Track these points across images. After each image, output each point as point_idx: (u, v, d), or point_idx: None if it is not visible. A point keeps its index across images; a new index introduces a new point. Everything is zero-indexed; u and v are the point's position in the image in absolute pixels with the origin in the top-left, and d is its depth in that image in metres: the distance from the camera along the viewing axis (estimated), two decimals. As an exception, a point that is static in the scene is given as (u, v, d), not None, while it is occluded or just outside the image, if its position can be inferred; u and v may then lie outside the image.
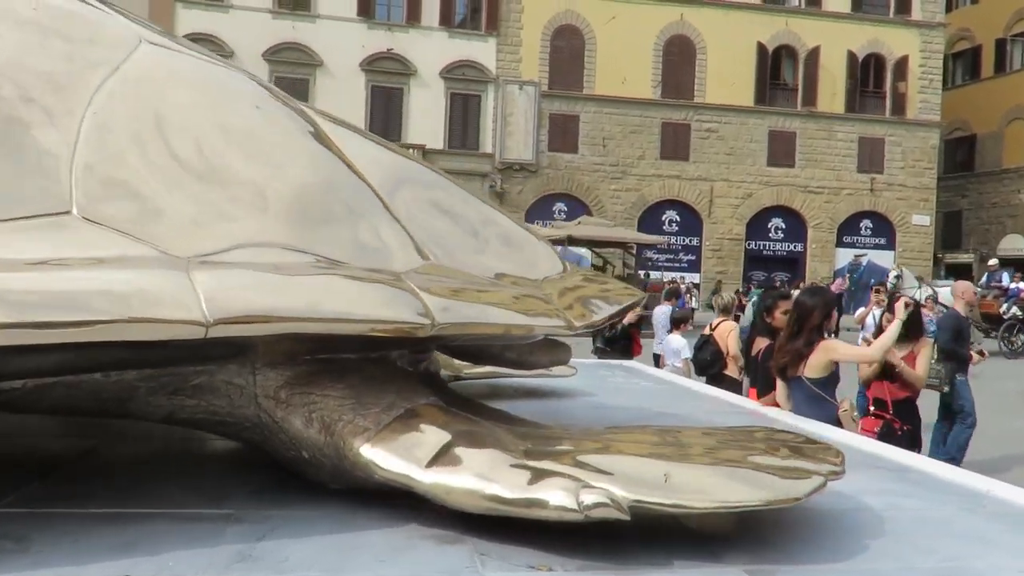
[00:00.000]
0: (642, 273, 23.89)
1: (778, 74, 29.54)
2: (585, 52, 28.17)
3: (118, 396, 1.20)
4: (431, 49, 26.96)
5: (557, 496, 1.08)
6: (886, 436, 4.25)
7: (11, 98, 1.21)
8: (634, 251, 23.08)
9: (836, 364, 3.90)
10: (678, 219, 29.31)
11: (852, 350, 4.62)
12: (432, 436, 1.20)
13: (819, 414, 3.36)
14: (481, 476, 1.13)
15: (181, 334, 1.01)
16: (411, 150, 26.03)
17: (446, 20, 27.27)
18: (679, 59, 28.72)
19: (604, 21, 27.72)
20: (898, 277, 17.94)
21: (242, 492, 1.34)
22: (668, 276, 24.81)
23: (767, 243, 30.06)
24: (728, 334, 6.75)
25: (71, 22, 1.43)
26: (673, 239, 28.89)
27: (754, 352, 5.23)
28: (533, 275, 1.73)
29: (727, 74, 28.69)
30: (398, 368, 1.40)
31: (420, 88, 27.09)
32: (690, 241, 29.44)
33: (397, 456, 1.17)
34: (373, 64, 26.70)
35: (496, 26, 27.53)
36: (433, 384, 1.59)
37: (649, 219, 28.61)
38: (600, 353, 8.03)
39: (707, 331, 7.01)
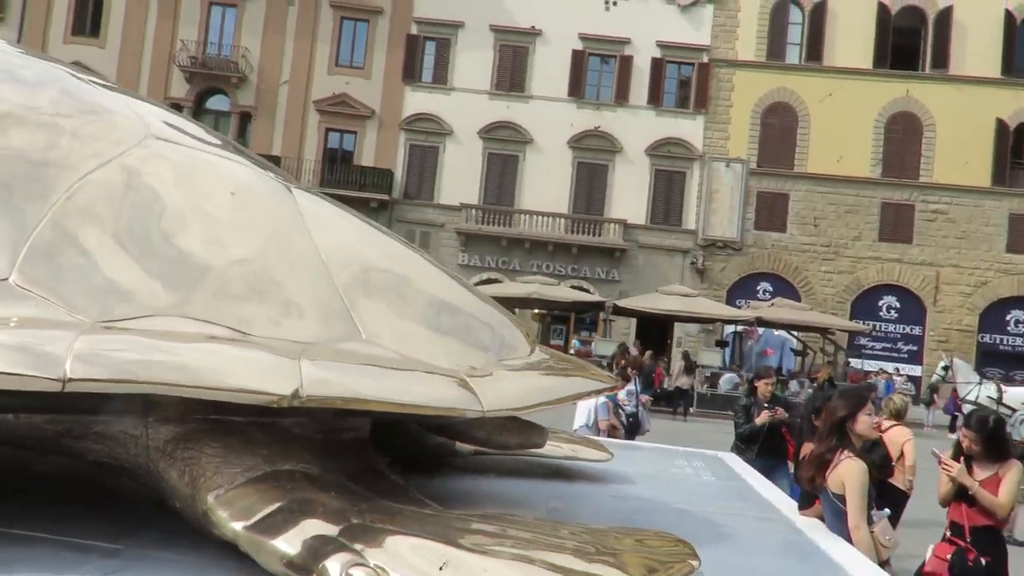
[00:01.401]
0: (849, 361, 22.36)
1: (1020, 153, 26.95)
2: (798, 129, 27.38)
3: (32, 435, 1.44)
4: (638, 127, 27.43)
5: (333, 567, 1.17)
6: (958, 566, 3.73)
7: (10, 180, 1.51)
8: (834, 335, 21.70)
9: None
10: (897, 305, 27.23)
11: (856, 493, 3.45)
12: (268, 498, 1.32)
13: (846, 533, 3.04)
14: (286, 541, 1.24)
15: (34, 387, 1.22)
16: (613, 224, 26.36)
17: (654, 99, 27.68)
18: (903, 136, 27.09)
19: (819, 99, 26.89)
20: (946, 368, 15.03)
21: (132, 530, 1.51)
22: (881, 366, 23.03)
23: (1005, 337, 27.08)
24: (904, 441, 6.19)
25: (84, 119, 1.73)
26: (891, 327, 26.85)
27: (801, 456, 4.85)
28: (476, 359, 1.79)
29: (959, 152, 26.63)
30: (284, 433, 1.54)
31: (625, 164, 27.55)
32: (911, 330, 27.19)
33: (229, 513, 1.30)
34: (580, 141, 27.56)
35: (705, 104, 27.55)
36: (356, 453, 1.70)
37: (864, 304, 26.85)
38: (737, 450, 7.46)
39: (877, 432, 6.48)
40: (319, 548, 1.21)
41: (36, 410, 1.42)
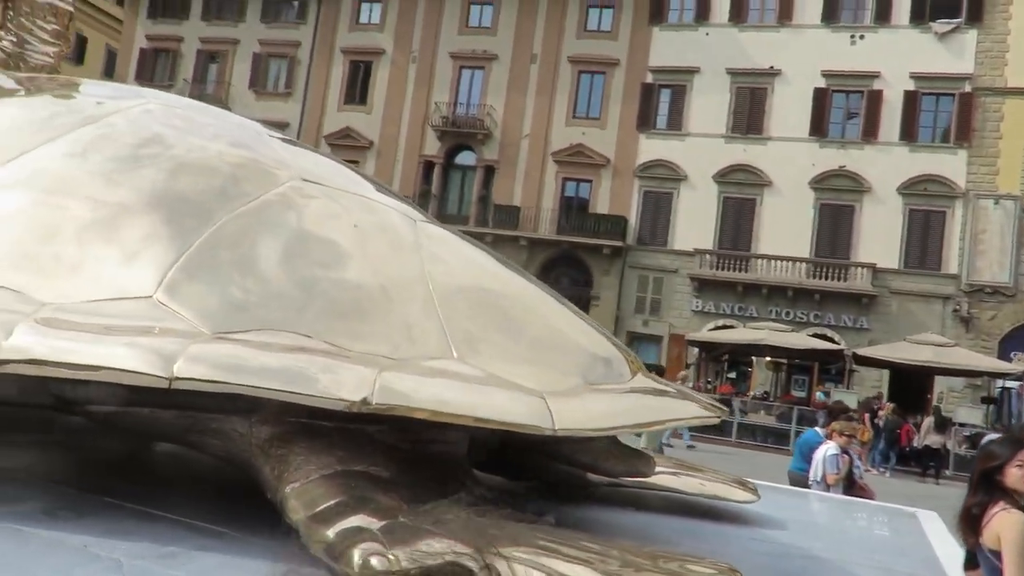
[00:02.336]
0: None
1: None
2: (1086, 160, 24.12)
3: (162, 429, 1.76)
4: (888, 164, 25.58)
5: (356, 553, 1.34)
6: None
7: (173, 215, 1.87)
8: None
9: None
10: None
11: (1014, 549, 3.09)
12: (331, 493, 1.53)
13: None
14: (331, 528, 1.43)
15: (150, 383, 1.51)
16: (861, 269, 24.52)
17: (907, 135, 25.71)
18: None
19: (1111, 124, 23.53)
20: None
21: (239, 515, 1.77)
22: None
23: None
24: None
25: (242, 166, 2.08)
26: None
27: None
28: (565, 381, 1.88)
29: None
30: (365, 439, 1.73)
31: (874, 205, 25.75)
32: None
33: (298, 503, 1.52)
34: (823, 182, 26.21)
35: (968, 137, 25.12)
36: (442, 465, 1.85)
37: None
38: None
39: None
40: (353, 536, 1.40)
41: (167, 406, 1.74)
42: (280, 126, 29.88)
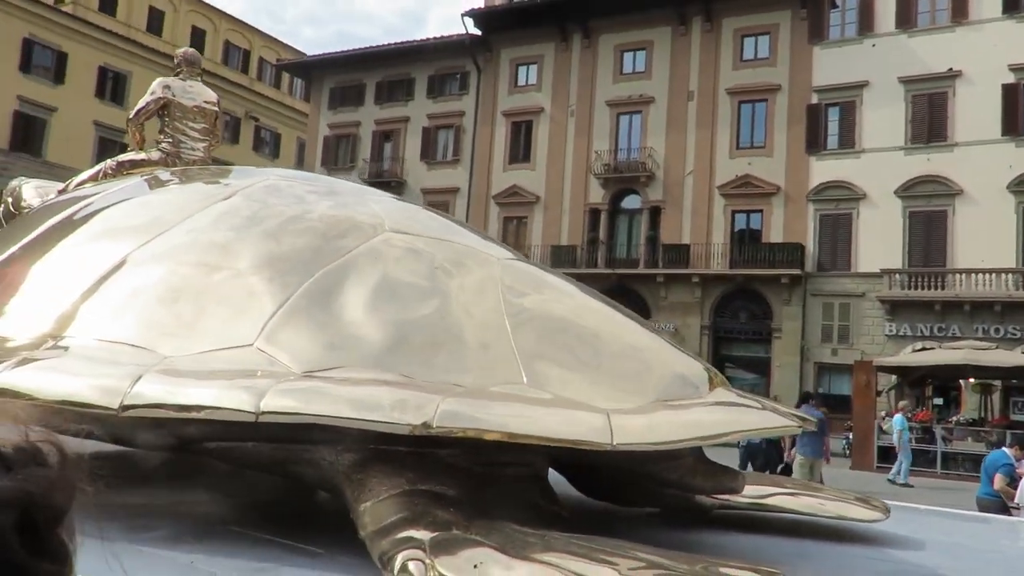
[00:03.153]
0: None
1: None
2: None
3: (265, 462, 2.00)
4: (1102, 156, 22.99)
5: (398, 558, 1.51)
6: None
7: (275, 273, 2.16)
8: None
9: None
10: None
11: None
12: (396, 510, 1.70)
13: None
14: (387, 539, 1.60)
15: (240, 418, 1.77)
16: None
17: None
18: None
19: None
20: None
21: (333, 537, 1.97)
22: None
23: None
24: None
25: (339, 225, 2.35)
26: None
27: None
28: (635, 399, 1.96)
29: None
30: (435, 462, 1.88)
31: (1089, 202, 23.15)
32: None
33: (368, 520, 1.71)
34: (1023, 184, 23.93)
35: None
36: (517, 486, 1.96)
37: None
38: None
39: None
40: (401, 545, 1.56)
41: (266, 440, 1.99)
42: (450, 192, 31.40)
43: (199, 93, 4.42)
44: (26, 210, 3.59)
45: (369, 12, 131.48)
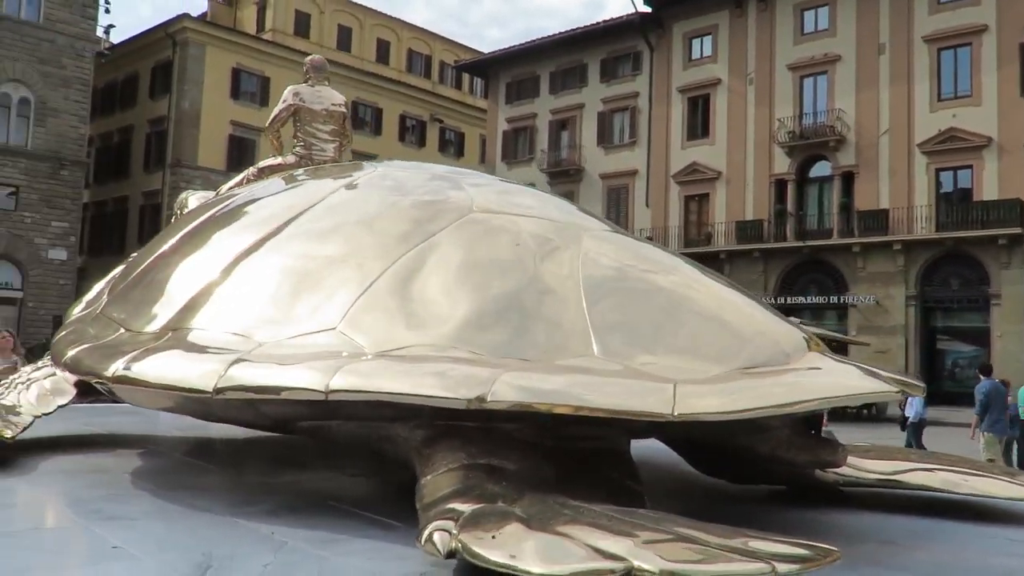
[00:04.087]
0: None
1: None
2: None
3: (351, 439, 2.13)
4: None
5: (428, 528, 1.57)
6: None
7: (363, 260, 2.30)
8: None
9: None
10: None
11: None
12: (450, 483, 1.76)
13: None
14: (435, 510, 1.66)
15: (310, 396, 1.90)
16: None
17: None
18: None
19: None
20: None
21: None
22: None
23: None
24: None
25: (428, 209, 2.45)
26: None
27: None
28: (712, 367, 1.88)
29: None
30: (501, 436, 1.89)
31: None
32: None
33: (425, 492, 1.78)
34: None
35: None
36: (591, 460, 1.95)
37: None
38: None
39: None
40: (439, 516, 1.62)
41: (347, 418, 2.12)
42: (629, 175, 31.11)
43: (327, 97, 4.73)
44: None
45: (551, 7, 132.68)
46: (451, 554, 1.50)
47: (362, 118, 39.55)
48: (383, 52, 43.40)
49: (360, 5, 43.27)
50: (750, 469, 2.54)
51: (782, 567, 1.35)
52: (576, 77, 33.65)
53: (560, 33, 33.83)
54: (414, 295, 2.16)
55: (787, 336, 2.17)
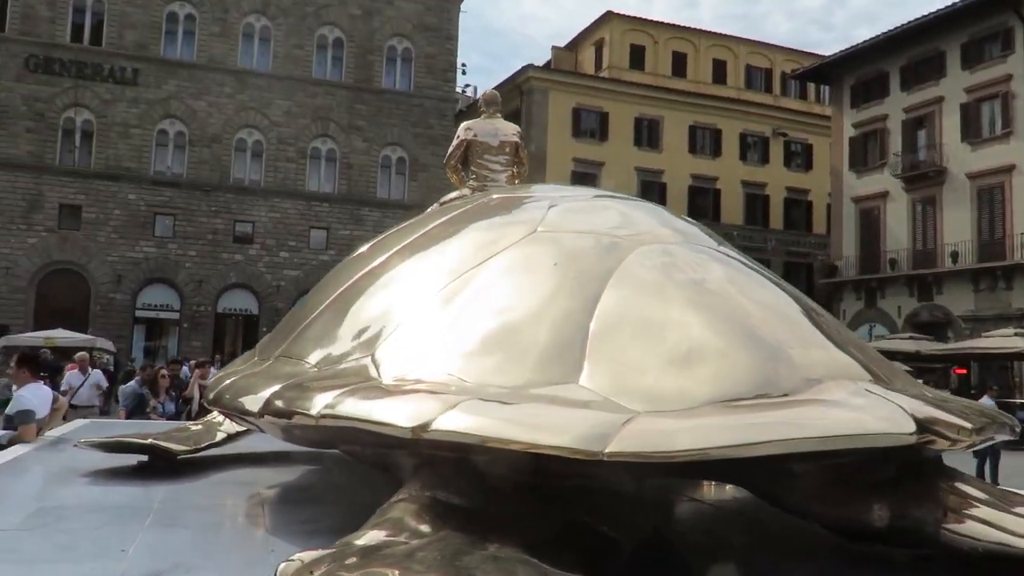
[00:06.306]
0: None
1: None
2: None
3: (371, 461, 2.18)
4: None
5: (281, 566, 1.48)
6: None
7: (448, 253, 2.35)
8: None
9: None
10: None
11: None
12: (380, 513, 1.71)
13: None
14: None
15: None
16: None
17: None
18: None
19: None
20: None
21: None
22: None
23: None
24: None
25: (499, 229, 2.45)
26: None
27: None
28: (687, 400, 1.70)
29: None
30: (466, 469, 1.75)
31: None
32: None
33: (372, 519, 1.80)
34: None
35: None
36: (560, 500, 1.78)
37: None
38: None
39: None
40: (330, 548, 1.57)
41: (375, 446, 2.16)
42: (1004, 171, 27.00)
43: (500, 128, 4.88)
44: None
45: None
46: None
47: (699, 142, 39.34)
48: (719, 72, 42.78)
49: (695, 29, 43.24)
50: (868, 524, 2.10)
51: None
52: (932, 68, 30.06)
53: (909, 22, 30.49)
54: (447, 316, 2.16)
55: (823, 362, 1.84)
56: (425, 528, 1.68)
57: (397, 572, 1.39)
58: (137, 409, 9.74)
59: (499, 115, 5.03)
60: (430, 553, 1.48)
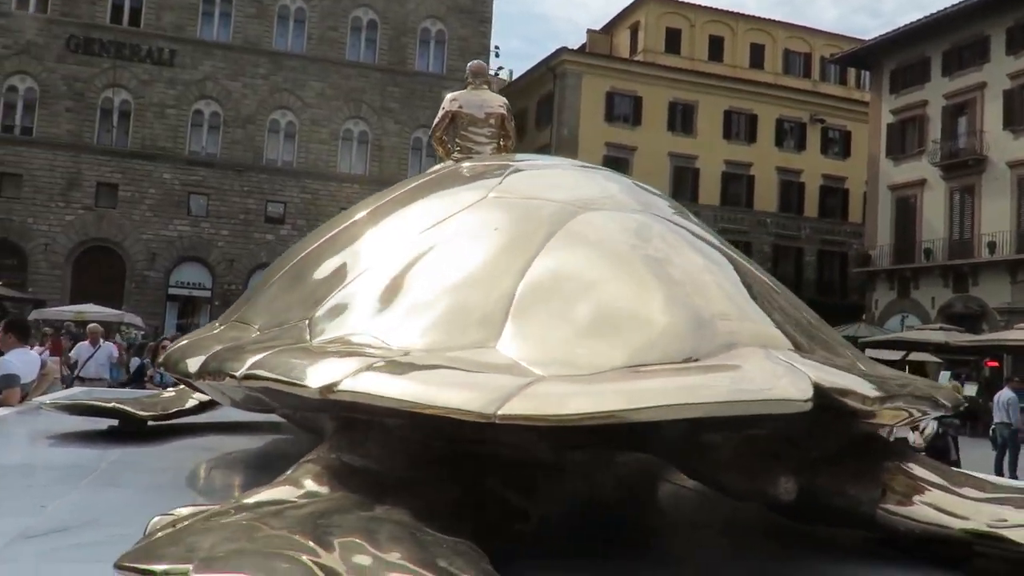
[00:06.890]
0: None
1: None
2: None
3: (306, 423, 2.16)
4: None
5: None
6: None
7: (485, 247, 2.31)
8: None
9: None
10: None
11: None
12: (281, 474, 1.74)
13: None
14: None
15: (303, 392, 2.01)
16: None
17: None
18: None
19: None
20: None
21: None
22: None
23: None
24: None
25: (525, 213, 2.40)
26: None
27: None
28: (599, 364, 1.66)
29: None
30: (384, 432, 1.78)
31: None
32: None
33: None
34: None
35: None
36: (468, 466, 1.76)
37: None
38: None
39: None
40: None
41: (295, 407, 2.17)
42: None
43: (486, 100, 4.82)
44: None
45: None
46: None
47: (734, 128, 38.82)
48: (756, 57, 42.11)
49: (733, 13, 42.56)
50: (808, 503, 2.02)
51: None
52: (976, 53, 29.25)
53: (954, 5, 29.68)
54: (435, 298, 2.09)
55: (746, 330, 1.78)
56: (324, 490, 1.66)
57: (257, 526, 1.37)
58: (137, 378, 9.85)
59: (486, 87, 4.97)
60: (302, 512, 1.46)
